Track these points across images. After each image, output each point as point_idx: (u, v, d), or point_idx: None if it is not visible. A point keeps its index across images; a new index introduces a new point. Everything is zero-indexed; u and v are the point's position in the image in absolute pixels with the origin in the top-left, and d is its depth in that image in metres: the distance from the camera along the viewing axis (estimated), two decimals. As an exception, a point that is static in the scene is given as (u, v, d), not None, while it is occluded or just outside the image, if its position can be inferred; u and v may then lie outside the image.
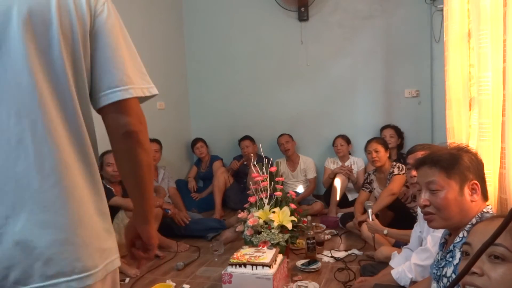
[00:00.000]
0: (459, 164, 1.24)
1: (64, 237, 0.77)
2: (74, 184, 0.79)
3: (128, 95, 0.84)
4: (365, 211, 2.81)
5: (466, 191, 1.23)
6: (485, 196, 1.27)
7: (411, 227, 2.20)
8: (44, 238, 0.76)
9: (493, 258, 0.86)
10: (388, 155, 3.25)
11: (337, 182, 3.86)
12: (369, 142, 3.30)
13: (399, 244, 2.55)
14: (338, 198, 3.86)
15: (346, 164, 4.08)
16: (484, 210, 1.23)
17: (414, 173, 2.02)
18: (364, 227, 2.78)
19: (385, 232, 2.55)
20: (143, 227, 0.97)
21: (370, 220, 2.63)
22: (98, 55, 0.84)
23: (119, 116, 0.85)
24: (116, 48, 0.85)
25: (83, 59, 0.82)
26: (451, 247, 1.22)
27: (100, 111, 0.86)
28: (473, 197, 1.23)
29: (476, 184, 1.24)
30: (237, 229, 2.85)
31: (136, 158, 0.88)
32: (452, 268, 1.17)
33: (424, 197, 1.27)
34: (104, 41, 0.84)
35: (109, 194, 2.85)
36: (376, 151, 3.19)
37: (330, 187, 3.93)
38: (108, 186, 2.93)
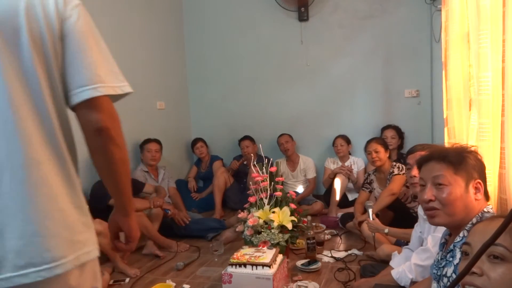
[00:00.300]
0: (466, 161, 1.23)
1: (33, 229, 0.81)
2: (44, 179, 0.83)
3: (98, 93, 0.87)
4: (365, 211, 2.81)
5: (471, 189, 1.22)
6: (487, 197, 1.27)
7: (411, 227, 2.19)
8: (15, 230, 0.80)
9: (493, 258, 0.86)
10: (388, 155, 3.25)
11: (337, 182, 3.87)
12: (369, 142, 3.30)
13: (400, 242, 2.55)
14: (338, 198, 3.86)
15: (346, 164, 4.08)
16: (485, 209, 1.23)
17: (414, 173, 2.01)
18: (365, 226, 2.78)
19: (386, 231, 2.55)
20: (123, 220, 1.02)
21: (371, 219, 2.64)
22: (68, 57, 0.87)
23: (90, 113, 0.88)
24: (85, 50, 0.88)
25: (53, 61, 0.85)
26: (451, 246, 1.22)
27: (73, 109, 0.90)
28: (477, 196, 1.23)
29: (480, 183, 1.24)
30: (237, 229, 2.85)
31: (109, 154, 0.91)
32: (452, 268, 1.17)
33: (429, 191, 1.25)
34: (73, 44, 0.87)
35: (109, 194, 2.84)
36: (376, 151, 3.19)
37: (330, 187, 3.93)
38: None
